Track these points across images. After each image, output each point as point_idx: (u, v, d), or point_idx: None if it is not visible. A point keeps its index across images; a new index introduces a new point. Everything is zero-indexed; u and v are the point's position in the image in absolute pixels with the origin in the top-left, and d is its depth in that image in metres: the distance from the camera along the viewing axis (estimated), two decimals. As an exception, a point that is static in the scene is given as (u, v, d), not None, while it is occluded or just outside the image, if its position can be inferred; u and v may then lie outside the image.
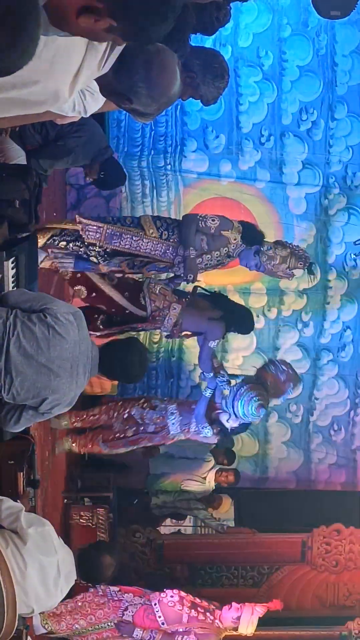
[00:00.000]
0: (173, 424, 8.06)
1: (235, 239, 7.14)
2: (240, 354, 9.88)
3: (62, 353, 4.17)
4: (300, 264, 7.33)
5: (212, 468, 9.44)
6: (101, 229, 7.12)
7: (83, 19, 2.28)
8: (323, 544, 9.92)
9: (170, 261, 7.23)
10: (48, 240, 7.09)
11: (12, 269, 5.17)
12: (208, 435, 7.89)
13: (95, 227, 7.14)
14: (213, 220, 7.05)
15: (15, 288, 5.08)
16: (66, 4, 2.27)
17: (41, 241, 6.92)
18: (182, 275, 7.21)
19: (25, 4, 2.00)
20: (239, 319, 7.65)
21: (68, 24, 2.34)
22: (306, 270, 7.42)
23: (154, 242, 7.16)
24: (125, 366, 4.58)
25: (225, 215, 7.24)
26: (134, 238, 7.15)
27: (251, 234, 7.21)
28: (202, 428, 7.82)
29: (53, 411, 4.36)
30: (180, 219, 7.44)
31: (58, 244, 7.15)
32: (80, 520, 8.75)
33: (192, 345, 9.72)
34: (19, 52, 2.03)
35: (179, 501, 9.57)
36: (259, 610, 7.96)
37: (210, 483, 9.42)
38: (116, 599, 7.63)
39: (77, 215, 7.19)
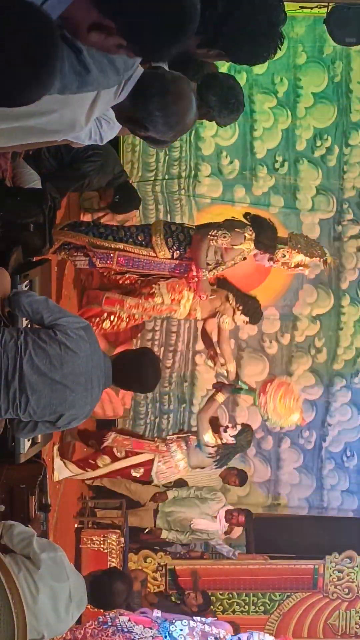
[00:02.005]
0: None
1: (248, 248, 7.19)
2: (253, 379, 9.85)
3: (75, 368, 4.18)
4: (316, 255, 7.39)
5: (223, 507, 9.40)
6: (112, 254, 7.18)
7: (93, 35, 2.30)
8: (335, 572, 9.86)
9: (180, 276, 7.33)
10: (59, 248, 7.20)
11: (26, 292, 5.17)
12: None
13: (105, 254, 7.20)
14: (224, 237, 7.11)
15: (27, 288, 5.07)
16: (78, 19, 2.30)
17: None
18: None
19: (48, 41, 2.06)
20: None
21: (80, 39, 2.37)
22: (322, 261, 7.48)
23: (166, 262, 7.25)
24: (140, 376, 4.58)
25: (235, 225, 7.26)
26: (145, 261, 7.23)
27: (264, 240, 7.23)
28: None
29: (70, 425, 4.38)
30: (194, 227, 7.49)
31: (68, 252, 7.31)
32: (92, 545, 8.72)
33: (204, 371, 9.71)
34: (41, 86, 2.09)
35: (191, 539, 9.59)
36: None
37: (221, 522, 9.37)
38: (126, 630, 7.56)
39: (87, 245, 7.24)
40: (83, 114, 2.73)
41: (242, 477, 9.33)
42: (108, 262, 7.30)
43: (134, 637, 7.54)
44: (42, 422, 4.28)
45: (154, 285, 7.57)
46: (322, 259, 7.50)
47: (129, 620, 7.67)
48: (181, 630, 7.64)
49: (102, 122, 3.15)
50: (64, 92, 2.48)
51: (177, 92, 2.91)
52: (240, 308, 7.74)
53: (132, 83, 2.76)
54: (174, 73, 2.94)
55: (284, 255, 7.31)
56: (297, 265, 7.42)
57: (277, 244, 7.30)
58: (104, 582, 5.06)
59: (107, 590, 5.07)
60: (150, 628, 7.67)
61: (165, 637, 7.58)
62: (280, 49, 2.87)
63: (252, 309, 7.85)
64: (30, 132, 2.70)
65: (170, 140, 2.82)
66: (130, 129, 2.75)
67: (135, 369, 4.53)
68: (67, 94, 2.51)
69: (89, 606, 5.06)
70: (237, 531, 9.80)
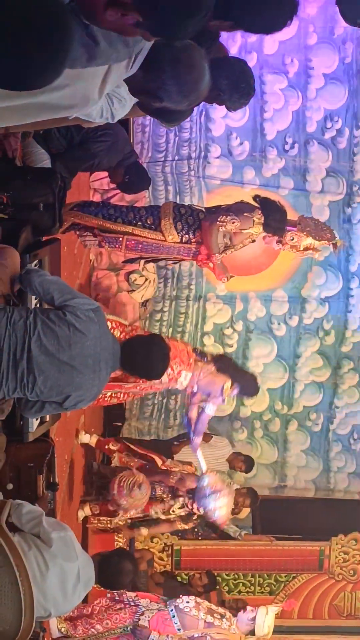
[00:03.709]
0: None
1: (257, 231, 7.17)
2: (261, 361, 9.87)
3: (84, 350, 4.18)
4: (325, 238, 7.37)
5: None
6: (121, 238, 7.17)
7: (110, 13, 2.30)
8: (341, 553, 9.89)
9: (191, 258, 7.33)
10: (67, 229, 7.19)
11: (36, 272, 5.17)
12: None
13: (114, 239, 7.19)
14: (233, 222, 7.08)
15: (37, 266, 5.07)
16: None
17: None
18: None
19: (62, 26, 2.07)
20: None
21: (96, 18, 2.36)
22: (331, 244, 7.46)
23: (175, 246, 7.23)
24: (148, 363, 4.57)
25: (244, 209, 7.23)
26: (154, 245, 7.21)
27: (272, 222, 7.20)
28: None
29: (77, 406, 4.39)
30: (203, 209, 7.45)
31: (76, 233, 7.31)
32: (98, 524, 8.74)
33: (212, 352, 9.71)
34: (56, 70, 2.11)
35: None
36: (273, 609, 7.93)
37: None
38: (132, 604, 7.63)
39: (95, 230, 7.21)
40: (96, 88, 2.72)
41: (248, 464, 9.37)
42: (117, 246, 7.30)
43: (140, 609, 7.61)
44: (49, 403, 4.29)
45: None
46: (331, 242, 7.47)
47: (136, 595, 7.75)
48: (187, 602, 7.70)
49: (114, 99, 3.15)
50: (74, 66, 2.47)
51: (189, 60, 2.90)
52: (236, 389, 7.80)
53: (143, 55, 2.75)
54: (185, 41, 2.91)
55: (293, 238, 7.28)
56: (306, 249, 7.39)
57: (285, 226, 7.27)
58: (113, 562, 5.09)
59: (115, 570, 5.10)
60: (157, 602, 7.75)
61: (172, 610, 7.64)
62: (296, 14, 2.80)
63: (248, 385, 7.95)
64: (42, 108, 2.70)
65: (184, 110, 2.81)
66: (144, 101, 2.74)
67: (143, 355, 4.53)
68: (77, 67, 2.50)
69: (95, 585, 5.09)
70: (244, 512, 9.82)
